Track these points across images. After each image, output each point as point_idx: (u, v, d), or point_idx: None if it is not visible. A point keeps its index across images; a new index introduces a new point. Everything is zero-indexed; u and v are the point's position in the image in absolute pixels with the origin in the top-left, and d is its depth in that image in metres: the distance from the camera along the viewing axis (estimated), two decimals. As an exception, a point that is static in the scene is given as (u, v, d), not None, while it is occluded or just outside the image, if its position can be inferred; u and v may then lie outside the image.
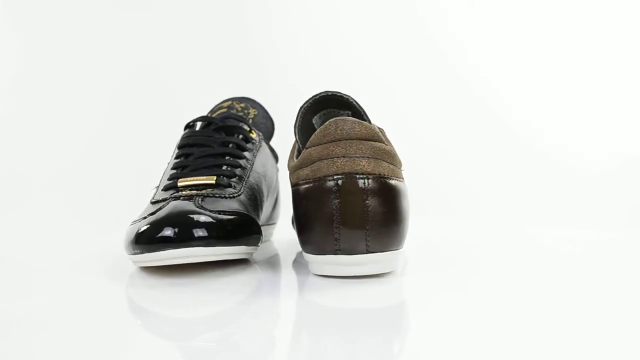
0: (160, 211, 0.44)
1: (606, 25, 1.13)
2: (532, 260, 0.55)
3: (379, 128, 0.52)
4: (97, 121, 0.99)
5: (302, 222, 0.43)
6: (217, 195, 0.47)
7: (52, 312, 0.37)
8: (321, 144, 0.42)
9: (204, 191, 0.47)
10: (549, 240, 0.67)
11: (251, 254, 0.49)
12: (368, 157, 0.41)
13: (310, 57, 1.16)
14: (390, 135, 0.55)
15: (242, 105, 0.63)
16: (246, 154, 0.54)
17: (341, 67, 1.13)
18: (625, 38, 1.12)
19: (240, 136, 0.56)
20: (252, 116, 0.63)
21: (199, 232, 0.42)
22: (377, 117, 0.55)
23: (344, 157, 0.41)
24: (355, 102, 0.49)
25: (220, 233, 0.43)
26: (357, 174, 0.40)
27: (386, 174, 0.42)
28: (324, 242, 0.41)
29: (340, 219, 0.40)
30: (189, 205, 0.44)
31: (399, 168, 0.44)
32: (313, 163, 0.42)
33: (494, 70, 1.16)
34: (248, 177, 0.52)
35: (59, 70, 1.00)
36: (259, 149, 0.57)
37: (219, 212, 0.44)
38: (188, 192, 0.47)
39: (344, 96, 0.49)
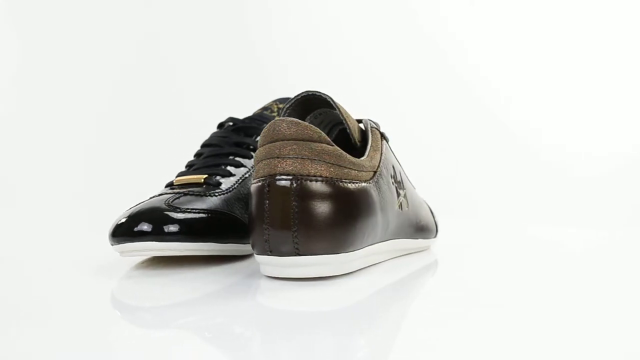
0: (136, 207, 0.48)
1: (606, 25, 1.12)
2: (526, 260, 0.54)
3: (376, 130, 0.50)
4: (99, 121, 1.06)
5: (248, 222, 0.43)
6: (199, 194, 0.49)
7: (38, 305, 0.39)
8: (263, 145, 0.42)
9: (188, 189, 0.50)
10: (544, 239, 0.68)
11: (232, 251, 0.50)
12: (302, 158, 0.40)
13: (312, 57, 1.15)
14: (390, 134, 0.53)
15: (281, 105, 0.65)
16: (257, 154, 0.56)
17: (341, 67, 1.13)
18: (626, 38, 1.11)
19: (258, 137, 0.58)
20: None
21: (156, 228, 0.45)
22: (376, 117, 0.53)
23: (277, 157, 0.41)
24: (333, 101, 0.47)
25: (183, 229, 0.46)
26: (287, 174, 0.40)
27: (325, 174, 0.41)
28: (259, 242, 0.41)
29: (269, 219, 0.40)
30: (158, 203, 0.47)
31: (352, 169, 0.43)
32: (257, 164, 0.43)
33: (493, 69, 1.16)
34: (248, 177, 0.54)
35: (63, 71, 1.09)
36: (278, 149, 0.58)
37: (188, 209, 0.47)
38: (178, 189, 0.51)
39: (323, 95, 0.48)
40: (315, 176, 0.40)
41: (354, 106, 0.67)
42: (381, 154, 0.48)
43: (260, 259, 0.42)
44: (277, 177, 0.40)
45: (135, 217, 0.46)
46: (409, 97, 1.14)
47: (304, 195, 0.40)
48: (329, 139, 0.42)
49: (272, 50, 1.19)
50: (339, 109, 0.47)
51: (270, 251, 0.41)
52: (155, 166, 0.71)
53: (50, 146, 1.02)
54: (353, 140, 0.48)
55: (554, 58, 1.14)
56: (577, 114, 1.11)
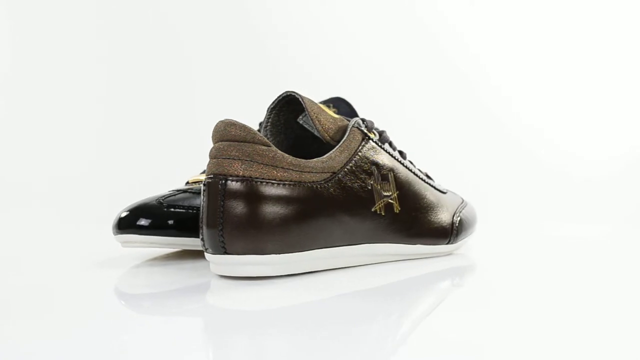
0: (136, 202, 0.53)
1: (608, 25, 1.14)
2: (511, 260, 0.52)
3: (357, 129, 0.48)
4: (103, 121, 1.09)
5: None
6: (198, 192, 0.53)
7: (47, 295, 0.42)
8: (212, 146, 0.44)
9: (191, 187, 0.54)
10: (539, 240, 0.68)
11: None
12: (233, 159, 0.41)
13: (312, 56, 1.11)
14: (394, 134, 0.51)
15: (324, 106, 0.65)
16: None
17: (352, 67, 1.12)
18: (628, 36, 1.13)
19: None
20: (327, 116, 0.64)
21: (139, 222, 0.50)
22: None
23: (215, 158, 0.42)
24: (303, 101, 0.47)
25: (165, 224, 0.50)
26: (218, 175, 0.41)
27: (255, 175, 0.41)
28: (201, 240, 0.43)
29: (203, 218, 0.42)
30: (152, 199, 0.52)
31: (291, 169, 0.42)
32: None
33: (497, 71, 1.17)
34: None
35: (68, 70, 1.12)
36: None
37: (176, 206, 0.51)
38: (188, 186, 0.55)
39: (296, 95, 0.48)
40: (244, 177, 0.41)
41: (361, 106, 0.65)
42: (354, 154, 0.46)
43: (205, 255, 0.44)
44: (212, 178, 0.41)
45: (131, 212, 0.51)
46: (416, 100, 1.15)
47: (230, 195, 0.41)
48: (265, 139, 0.42)
49: (300, 52, 1.20)
50: (307, 109, 0.47)
51: (206, 249, 0.42)
52: (185, 164, 0.75)
53: (59, 145, 1.09)
54: (325, 139, 0.47)
55: (559, 59, 1.15)
56: (581, 116, 1.13)
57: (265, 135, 0.50)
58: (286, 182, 0.42)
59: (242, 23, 1.19)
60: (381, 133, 0.51)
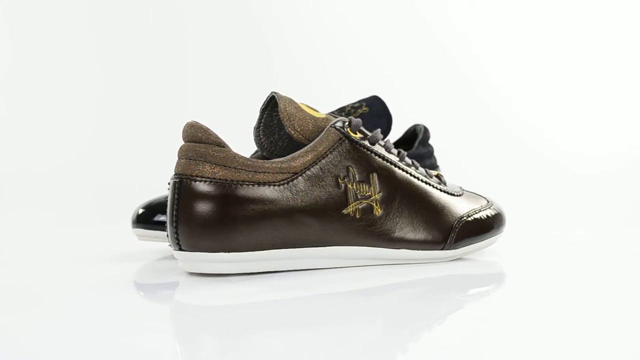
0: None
1: (608, 24, 1.16)
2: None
3: (334, 129, 0.47)
4: (103, 123, 1.10)
5: None
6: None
7: (71, 284, 0.46)
8: (181, 147, 0.47)
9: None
10: (537, 242, 0.66)
11: None
12: (190, 159, 0.43)
13: (313, 57, 1.08)
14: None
15: (357, 105, 0.64)
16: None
17: (340, 66, 1.12)
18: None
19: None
20: (357, 115, 0.63)
21: (155, 218, 0.54)
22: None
23: (179, 158, 0.45)
24: (279, 101, 0.48)
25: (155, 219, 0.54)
26: (178, 174, 0.43)
27: (207, 175, 0.42)
28: (167, 236, 0.46)
29: (166, 216, 0.45)
30: (160, 198, 0.56)
31: (245, 170, 0.43)
32: None
33: (496, 70, 1.18)
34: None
35: (68, 71, 1.13)
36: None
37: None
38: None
39: (276, 96, 0.48)
40: (196, 176, 0.42)
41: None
42: (324, 154, 0.45)
43: None
44: (173, 177, 0.44)
45: (147, 208, 0.56)
46: (417, 100, 1.13)
47: (183, 195, 0.43)
48: (220, 140, 0.43)
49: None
50: (280, 108, 0.47)
51: (170, 245, 0.45)
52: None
53: (60, 147, 1.12)
54: (297, 139, 0.47)
55: (563, 61, 1.16)
56: (581, 116, 1.13)
57: (258, 136, 0.51)
58: (237, 182, 0.42)
59: (248, 25, 1.22)
60: (372, 133, 0.49)
